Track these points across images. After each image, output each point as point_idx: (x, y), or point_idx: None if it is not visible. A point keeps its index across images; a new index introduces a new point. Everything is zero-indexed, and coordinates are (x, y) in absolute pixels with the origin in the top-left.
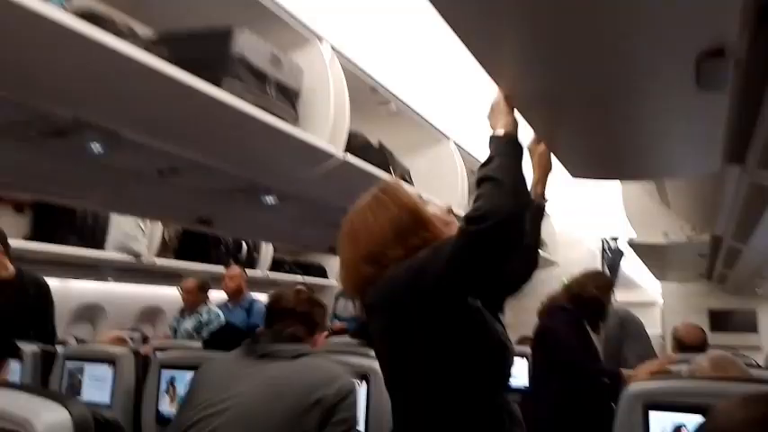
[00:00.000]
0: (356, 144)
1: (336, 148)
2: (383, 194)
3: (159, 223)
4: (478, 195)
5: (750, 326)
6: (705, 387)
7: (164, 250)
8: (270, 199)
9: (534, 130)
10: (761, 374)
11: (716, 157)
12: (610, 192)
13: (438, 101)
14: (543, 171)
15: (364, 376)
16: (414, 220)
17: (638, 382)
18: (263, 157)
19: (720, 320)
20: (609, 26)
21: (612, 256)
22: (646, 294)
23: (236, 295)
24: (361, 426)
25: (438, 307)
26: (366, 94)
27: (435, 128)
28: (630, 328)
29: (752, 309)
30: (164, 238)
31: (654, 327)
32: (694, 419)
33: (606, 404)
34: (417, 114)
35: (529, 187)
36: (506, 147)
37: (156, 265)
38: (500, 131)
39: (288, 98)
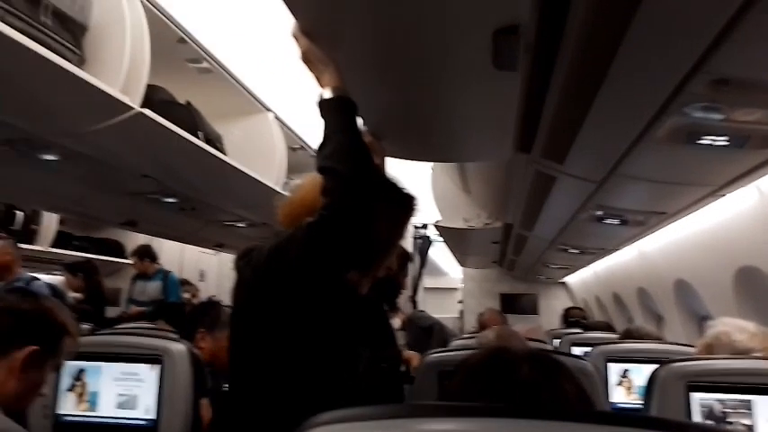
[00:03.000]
0: (158, 99)
1: (132, 100)
2: None
3: None
4: (324, 189)
5: (532, 308)
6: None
7: None
8: (49, 156)
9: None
10: (539, 346)
11: (508, 144)
12: (423, 178)
13: (261, 69)
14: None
15: (157, 359)
16: None
17: (433, 355)
18: (38, 102)
19: (509, 303)
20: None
21: (422, 243)
22: (450, 281)
23: (1, 273)
24: (153, 410)
25: (291, 291)
26: (173, 45)
27: (255, 97)
28: (436, 337)
29: (535, 293)
30: None
31: (454, 310)
32: None
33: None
34: (234, 79)
35: None
36: (339, 117)
37: None
38: (327, 93)
39: (70, 32)
